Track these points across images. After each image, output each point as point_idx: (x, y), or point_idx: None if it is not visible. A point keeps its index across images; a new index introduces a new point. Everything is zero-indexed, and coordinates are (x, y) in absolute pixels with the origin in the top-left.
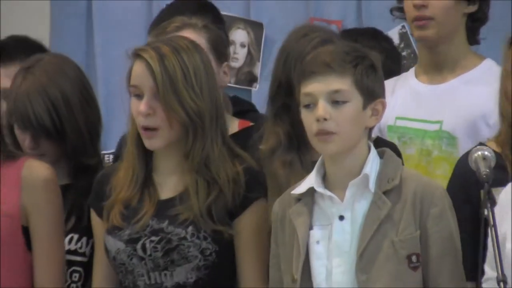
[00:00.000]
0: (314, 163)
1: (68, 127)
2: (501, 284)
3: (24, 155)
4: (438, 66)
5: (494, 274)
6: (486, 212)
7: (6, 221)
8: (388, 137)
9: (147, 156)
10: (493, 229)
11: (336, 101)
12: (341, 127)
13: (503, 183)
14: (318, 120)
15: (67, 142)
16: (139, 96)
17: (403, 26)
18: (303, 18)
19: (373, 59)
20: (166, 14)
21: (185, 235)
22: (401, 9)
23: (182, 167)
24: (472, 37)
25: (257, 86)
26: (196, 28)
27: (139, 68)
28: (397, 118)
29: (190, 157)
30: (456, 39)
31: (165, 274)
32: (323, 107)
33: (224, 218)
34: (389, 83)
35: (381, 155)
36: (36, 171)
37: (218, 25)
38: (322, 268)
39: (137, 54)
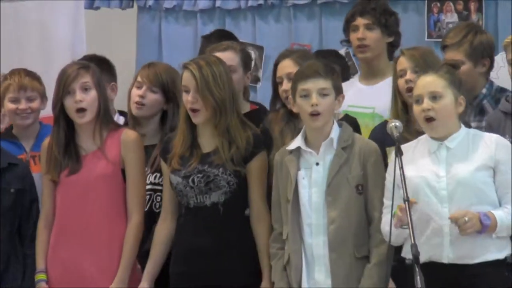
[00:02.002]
0: (299, 129)
1: (174, 108)
2: (406, 203)
3: (123, 127)
4: (372, 74)
5: (389, 203)
6: (397, 160)
7: (111, 166)
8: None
9: (192, 127)
10: (399, 170)
11: (322, 94)
12: (325, 110)
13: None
14: (312, 105)
15: (168, 118)
16: (187, 92)
17: (347, 48)
18: (287, 42)
19: (338, 69)
20: (215, 38)
21: (218, 173)
22: (347, 40)
23: (214, 133)
24: (390, 56)
25: (260, 84)
26: (236, 50)
27: (186, 74)
28: (349, 106)
29: (218, 127)
30: (382, 58)
31: (205, 197)
32: (315, 98)
33: (240, 163)
34: (343, 85)
35: (340, 125)
36: (129, 135)
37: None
38: (305, 193)
39: (185, 66)
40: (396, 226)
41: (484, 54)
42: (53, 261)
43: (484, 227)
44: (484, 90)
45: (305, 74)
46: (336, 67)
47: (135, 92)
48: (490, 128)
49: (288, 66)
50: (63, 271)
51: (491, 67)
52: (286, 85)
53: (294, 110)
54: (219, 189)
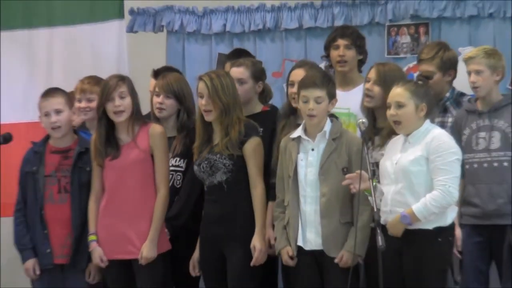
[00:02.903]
0: (298, 124)
1: (185, 108)
2: (370, 181)
3: (151, 122)
4: (346, 83)
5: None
6: (363, 151)
7: (142, 153)
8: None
9: (206, 125)
10: (369, 165)
11: (317, 102)
12: (319, 113)
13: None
14: (309, 109)
15: (180, 116)
16: (202, 97)
17: (326, 62)
18: (280, 58)
19: (332, 80)
20: (233, 56)
21: (216, 158)
22: (327, 56)
23: (220, 128)
24: (359, 69)
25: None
26: (247, 66)
27: (201, 84)
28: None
29: (222, 124)
30: (354, 70)
31: (213, 177)
32: (312, 104)
33: (234, 148)
34: None
35: (331, 121)
36: (156, 129)
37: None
38: (303, 172)
39: (200, 78)
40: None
41: (451, 67)
42: (101, 226)
43: (406, 223)
44: (448, 94)
45: (305, 83)
46: (332, 77)
47: (155, 99)
48: (456, 123)
49: (299, 74)
50: (108, 233)
51: (455, 76)
52: (294, 89)
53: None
54: (219, 170)
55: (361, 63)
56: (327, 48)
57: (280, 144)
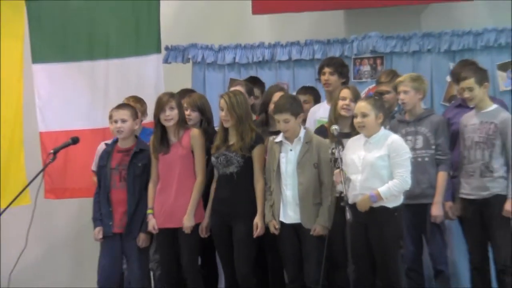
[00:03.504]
0: (272, 132)
1: (206, 118)
2: (341, 171)
3: (190, 127)
4: (331, 99)
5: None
6: (337, 151)
7: (185, 150)
8: (317, 123)
9: (224, 130)
10: (339, 160)
11: (285, 122)
12: (289, 129)
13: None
14: (281, 128)
15: (203, 124)
16: (222, 110)
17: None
18: (275, 82)
19: (296, 101)
20: (249, 80)
21: (232, 156)
22: (319, 79)
23: (235, 133)
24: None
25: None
26: (242, 85)
27: (221, 100)
28: (321, 117)
29: (237, 129)
30: (338, 90)
31: (226, 169)
32: (282, 125)
33: (245, 150)
34: (317, 106)
35: (304, 129)
36: (194, 132)
37: (253, 84)
38: (284, 167)
39: (221, 96)
40: (338, 181)
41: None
42: (156, 203)
43: (373, 201)
44: (396, 108)
45: (275, 110)
46: (297, 98)
47: (185, 112)
48: (392, 130)
49: (277, 95)
50: (160, 208)
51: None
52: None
53: None
54: (232, 164)
55: (344, 84)
56: (319, 73)
57: (268, 145)
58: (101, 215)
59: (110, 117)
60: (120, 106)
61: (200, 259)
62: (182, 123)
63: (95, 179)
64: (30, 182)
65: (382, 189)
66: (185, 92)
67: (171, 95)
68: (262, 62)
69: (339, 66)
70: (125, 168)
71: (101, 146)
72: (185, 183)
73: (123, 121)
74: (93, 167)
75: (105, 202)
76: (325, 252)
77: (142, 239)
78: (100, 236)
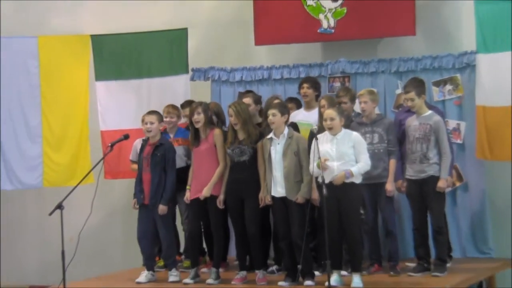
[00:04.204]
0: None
1: (221, 120)
2: (320, 159)
3: (214, 127)
4: (308, 107)
5: (311, 167)
6: (315, 143)
7: (210, 145)
8: (299, 125)
9: (234, 130)
10: (316, 151)
11: (273, 115)
12: (275, 122)
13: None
14: (269, 120)
15: (218, 125)
16: (231, 116)
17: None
18: (270, 94)
19: (283, 104)
20: (246, 93)
21: (244, 148)
22: (299, 92)
23: (243, 132)
24: (316, 99)
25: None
26: (251, 96)
27: (230, 109)
28: (299, 120)
29: (244, 130)
30: (313, 100)
31: (240, 158)
32: (270, 118)
33: (253, 143)
34: (297, 111)
35: (288, 128)
36: (217, 131)
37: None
38: (274, 156)
39: (229, 106)
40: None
41: (354, 99)
42: (192, 181)
43: (347, 178)
44: (353, 114)
45: (269, 106)
46: (284, 103)
47: (195, 117)
48: (352, 130)
49: (272, 99)
50: (193, 185)
51: (354, 104)
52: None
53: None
54: (245, 154)
55: (317, 96)
56: (299, 88)
57: (263, 141)
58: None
59: (142, 120)
60: (149, 112)
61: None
62: (208, 124)
63: (133, 166)
64: (93, 167)
65: (353, 169)
66: (200, 103)
67: (199, 103)
68: (262, 80)
69: (314, 83)
70: (149, 157)
71: (137, 141)
72: (210, 168)
73: (151, 123)
74: (131, 157)
75: (139, 181)
76: (307, 217)
77: (160, 209)
78: (137, 205)
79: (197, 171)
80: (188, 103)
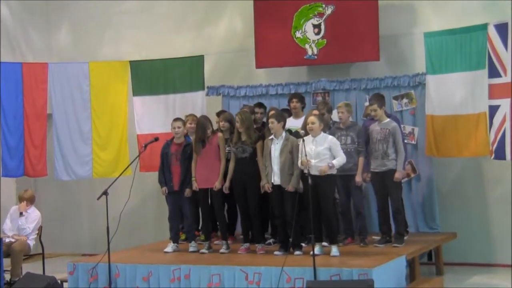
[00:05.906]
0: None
1: (232, 126)
2: (306, 157)
3: (219, 132)
4: (296, 116)
5: (299, 162)
6: (302, 144)
7: (214, 146)
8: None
9: (239, 133)
10: (303, 150)
11: (272, 123)
12: (274, 128)
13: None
14: (270, 126)
15: (230, 130)
16: (237, 122)
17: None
18: (268, 106)
19: (280, 114)
20: (255, 106)
21: (245, 147)
22: (289, 105)
23: (245, 135)
24: (302, 110)
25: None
26: (248, 108)
27: (236, 117)
28: (290, 126)
29: (246, 133)
30: (300, 111)
31: (242, 154)
32: (270, 124)
33: (253, 143)
34: (288, 120)
35: (285, 132)
36: (220, 135)
37: (259, 106)
38: (273, 153)
39: (237, 114)
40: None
41: (331, 111)
42: (197, 174)
43: (330, 167)
44: (331, 121)
45: (269, 116)
46: (281, 113)
47: (220, 124)
48: (331, 133)
49: (271, 110)
50: (201, 176)
51: (331, 114)
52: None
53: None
54: (247, 151)
55: (303, 108)
56: (289, 102)
57: (265, 142)
58: (165, 180)
59: (171, 125)
60: (176, 119)
61: (226, 205)
62: (214, 131)
63: None
64: (131, 162)
65: (334, 161)
66: (222, 112)
67: (220, 112)
68: (261, 95)
69: (301, 97)
70: (179, 154)
71: (164, 143)
72: (214, 165)
73: (178, 127)
74: None
75: (168, 172)
76: (296, 202)
77: (187, 192)
78: (166, 192)
79: (203, 166)
80: (222, 112)
